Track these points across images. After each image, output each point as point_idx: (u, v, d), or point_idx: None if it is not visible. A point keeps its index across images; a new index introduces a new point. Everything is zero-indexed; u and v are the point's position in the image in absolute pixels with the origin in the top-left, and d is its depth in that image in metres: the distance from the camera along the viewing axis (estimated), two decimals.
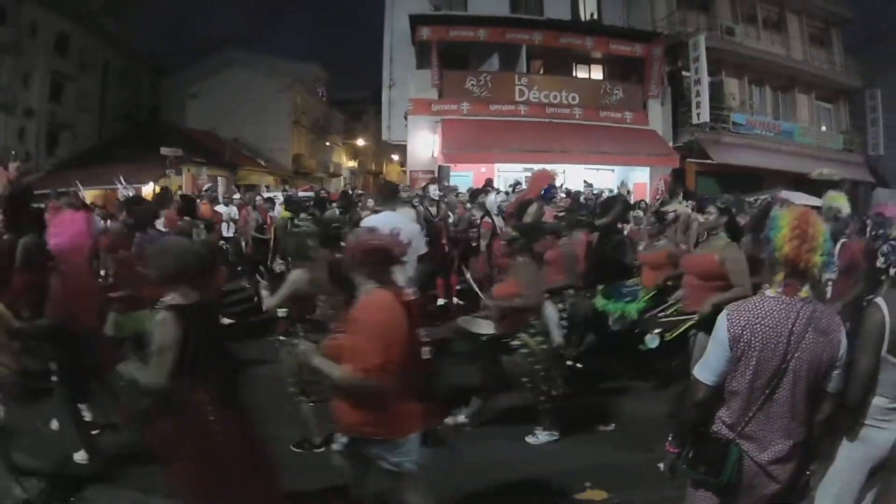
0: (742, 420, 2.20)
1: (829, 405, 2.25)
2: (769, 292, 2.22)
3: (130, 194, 13.68)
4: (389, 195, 5.57)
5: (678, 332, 4.34)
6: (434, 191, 9.15)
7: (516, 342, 4.30)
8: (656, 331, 4.56)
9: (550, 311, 4.41)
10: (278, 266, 7.24)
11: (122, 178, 14.59)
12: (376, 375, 2.43)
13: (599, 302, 5.72)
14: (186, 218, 6.82)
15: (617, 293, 5.79)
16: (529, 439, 4.48)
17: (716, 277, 4.23)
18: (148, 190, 18.98)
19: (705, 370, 2.26)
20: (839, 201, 4.60)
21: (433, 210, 8.55)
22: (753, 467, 2.18)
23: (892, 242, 2.57)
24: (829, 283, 4.86)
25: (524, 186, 10.47)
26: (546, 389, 4.35)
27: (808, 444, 2.26)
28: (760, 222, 6.24)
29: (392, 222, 4.22)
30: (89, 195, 16.56)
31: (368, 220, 5.09)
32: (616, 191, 14.83)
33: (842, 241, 4.72)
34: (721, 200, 5.04)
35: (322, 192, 16.00)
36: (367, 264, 2.61)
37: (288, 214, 9.94)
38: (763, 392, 2.15)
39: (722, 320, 2.22)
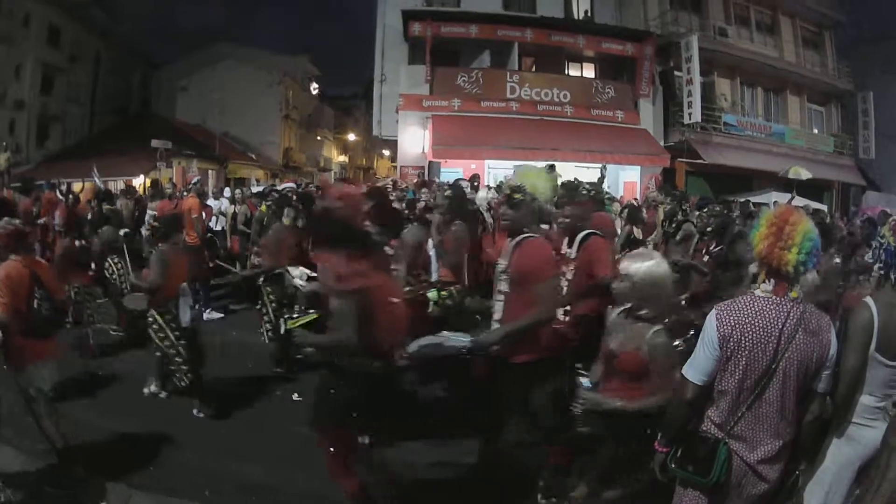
0: (731, 419, 2.19)
1: (819, 405, 2.24)
2: (758, 292, 2.20)
3: (102, 187, 13.65)
4: None
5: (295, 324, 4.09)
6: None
7: (150, 319, 4.78)
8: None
9: (184, 293, 4.78)
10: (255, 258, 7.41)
11: (95, 169, 14.53)
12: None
13: None
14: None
15: None
16: (146, 388, 5.11)
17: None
18: (138, 182, 18.97)
19: (693, 369, 2.24)
20: (528, 179, 3.41)
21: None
22: (743, 467, 2.17)
23: (880, 239, 2.53)
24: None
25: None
26: (178, 362, 4.76)
27: (797, 444, 2.25)
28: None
29: None
30: (76, 187, 16.52)
31: None
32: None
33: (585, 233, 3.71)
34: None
35: (309, 185, 15.96)
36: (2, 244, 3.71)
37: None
38: (752, 392, 2.14)
39: (711, 319, 2.21)
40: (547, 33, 17.94)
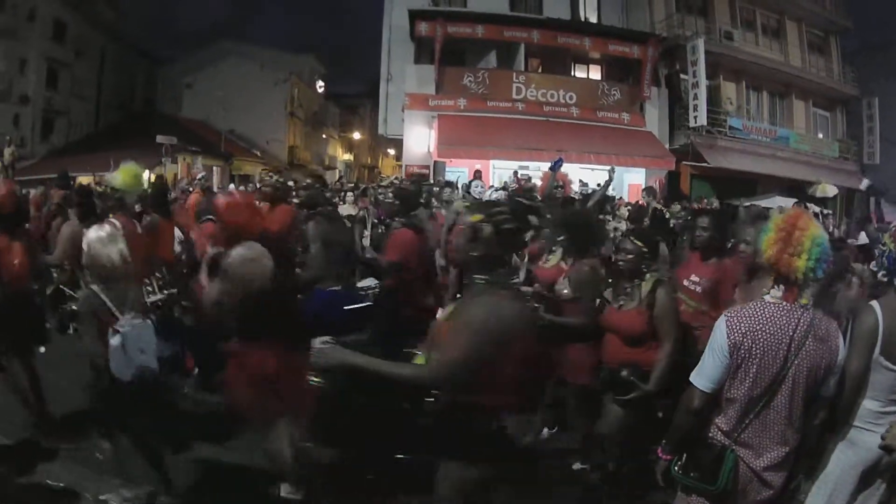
0: (739, 427, 2.16)
1: (825, 411, 2.24)
2: (768, 298, 2.16)
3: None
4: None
5: None
6: (478, 188, 8.49)
7: None
8: None
9: None
10: None
11: (112, 163, 14.50)
12: None
13: None
14: None
15: None
16: None
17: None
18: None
19: (702, 377, 2.20)
20: (118, 175, 4.53)
21: None
22: (748, 473, 2.15)
23: (882, 246, 2.51)
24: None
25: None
26: None
27: (801, 449, 2.22)
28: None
29: None
30: (82, 181, 16.58)
31: None
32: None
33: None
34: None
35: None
36: None
37: None
38: (761, 399, 2.11)
39: (721, 326, 2.16)
40: (553, 34, 17.92)
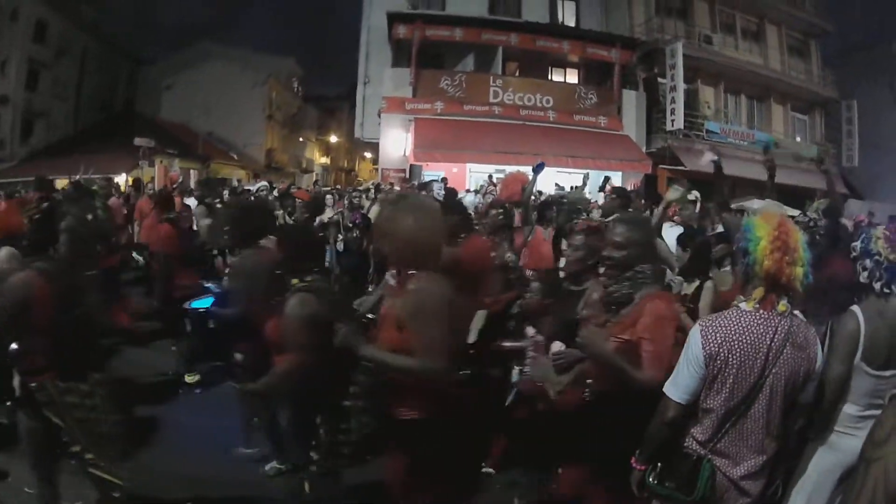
0: (715, 437, 2.13)
1: (803, 417, 2.22)
2: (745, 306, 2.11)
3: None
4: None
5: None
6: (438, 189, 8.49)
7: None
8: None
9: None
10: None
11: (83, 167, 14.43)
12: None
13: None
14: None
15: None
16: None
17: None
18: (120, 180, 18.91)
19: (677, 388, 2.15)
20: None
21: None
22: (725, 482, 2.12)
23: (876, 257, 2.48)
24: None
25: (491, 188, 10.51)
26: None
27: (779, 457, 2.20)
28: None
29: None
30: (59, 184, 16.47)
31: None
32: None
33: None
34: None
35: (292, 185, 16.01)
36: None
37: None
38: (738, 409, 2.08)
39: (696, 336, 2.11)
40: (532, 38, 17.99)
